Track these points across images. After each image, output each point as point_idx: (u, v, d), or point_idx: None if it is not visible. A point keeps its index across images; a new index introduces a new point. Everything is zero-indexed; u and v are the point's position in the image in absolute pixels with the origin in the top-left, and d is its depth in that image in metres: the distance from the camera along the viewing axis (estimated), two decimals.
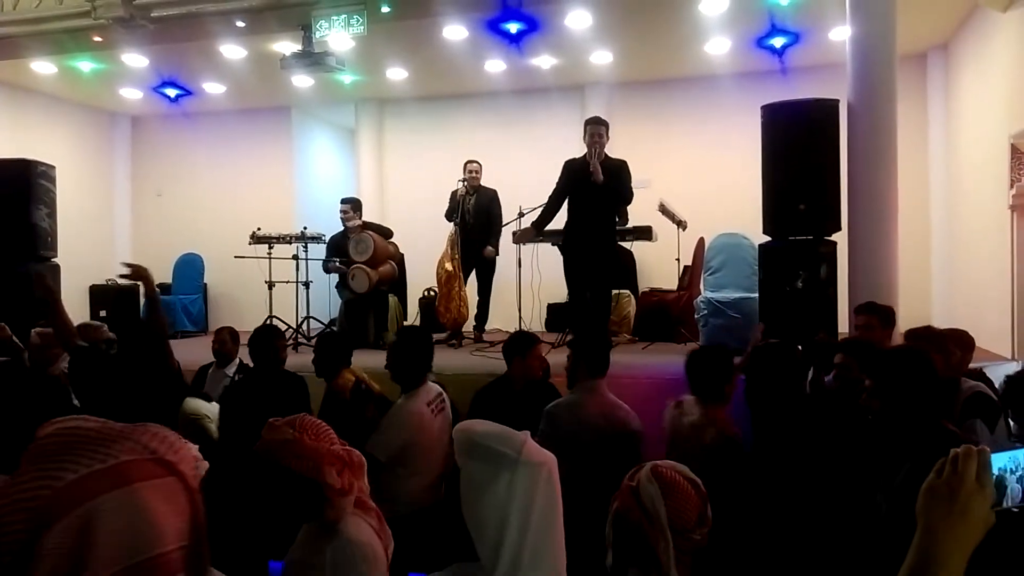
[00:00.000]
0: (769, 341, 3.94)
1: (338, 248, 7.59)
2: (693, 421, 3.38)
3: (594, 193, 5.80)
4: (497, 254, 7.39)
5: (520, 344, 4.18)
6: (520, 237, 6.73)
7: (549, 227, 6.54)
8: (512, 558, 1.30)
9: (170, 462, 0.93)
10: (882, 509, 2.32)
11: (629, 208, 7.50)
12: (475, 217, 7.33)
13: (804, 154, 5.24)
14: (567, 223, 6.08)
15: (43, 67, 8.19)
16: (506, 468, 1.34)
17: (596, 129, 5.85)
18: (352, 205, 7.58)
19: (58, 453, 0.87)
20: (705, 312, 6.49)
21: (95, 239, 10.04)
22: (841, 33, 6.28)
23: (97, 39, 6.78)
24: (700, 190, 8.61)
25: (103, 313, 9.66)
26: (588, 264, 5.93)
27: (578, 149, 6.55)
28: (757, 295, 5.71)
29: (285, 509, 1.87)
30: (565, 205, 6.07)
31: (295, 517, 1.88)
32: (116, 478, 0.88)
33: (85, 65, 8.27)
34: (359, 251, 7.28)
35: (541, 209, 6.21)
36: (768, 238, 5.55)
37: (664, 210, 7.63)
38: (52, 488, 0.84)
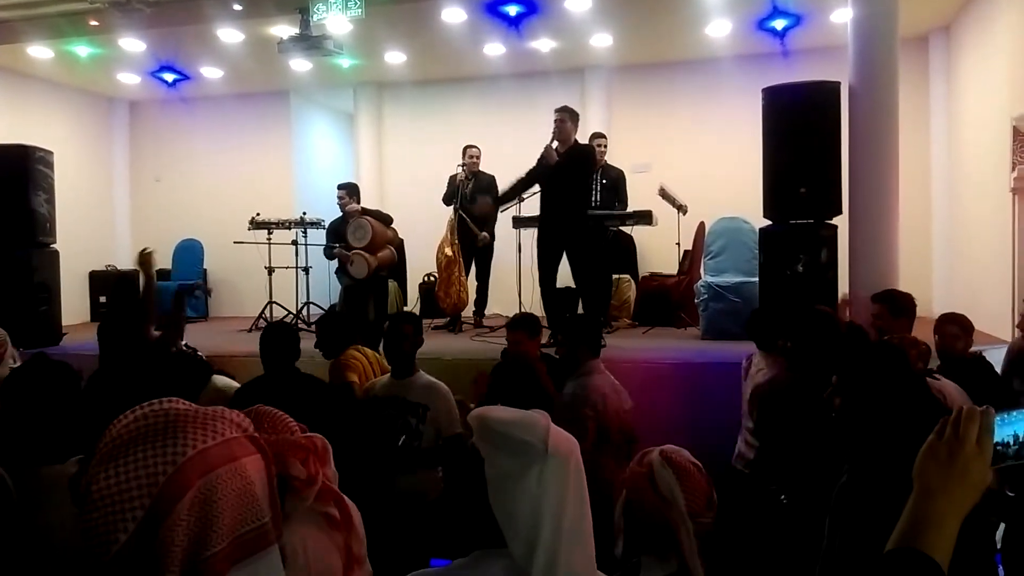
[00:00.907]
0: (820, 309, 3.89)
1: (338, 234, 7.57)
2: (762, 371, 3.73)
3: (552, 177, 5.93)
4: (494, 238, 7.40)
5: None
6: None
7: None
8: (548, 554, 1.30)
9: (257, 439, 1.02)
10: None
11: (629, 192, 7.54)
12: (473, 201, 7.32)
13: (805, 137, 5.22)
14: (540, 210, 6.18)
15: (40, 52, 8.14)
16: (535, 461, 1.32)
17: (557, 115, 6.01)
18: (348, 190, 7.53)
19: (169, 432, 0.92)
20: (705, 296, 6.49)
21: (94, 225, 10.01)
22: (843, 15, 6.24)
23: (93, 23, 6.74)
24: (700, 174, 8.58)
25: (103, 299, 9.67)
26: (558, 248, 6.01)
27: (578, 134, 6.51)
28: (757, 279, 5.71)
29: None
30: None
31: None
32: (226, 454, 0.95)
33: (82, 50, 8.21)
34: (357, 237, 7.26)
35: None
36: (769, 222, 5.53)
37: (664, 194, 7.61)
38: (175, 464, 0.90)
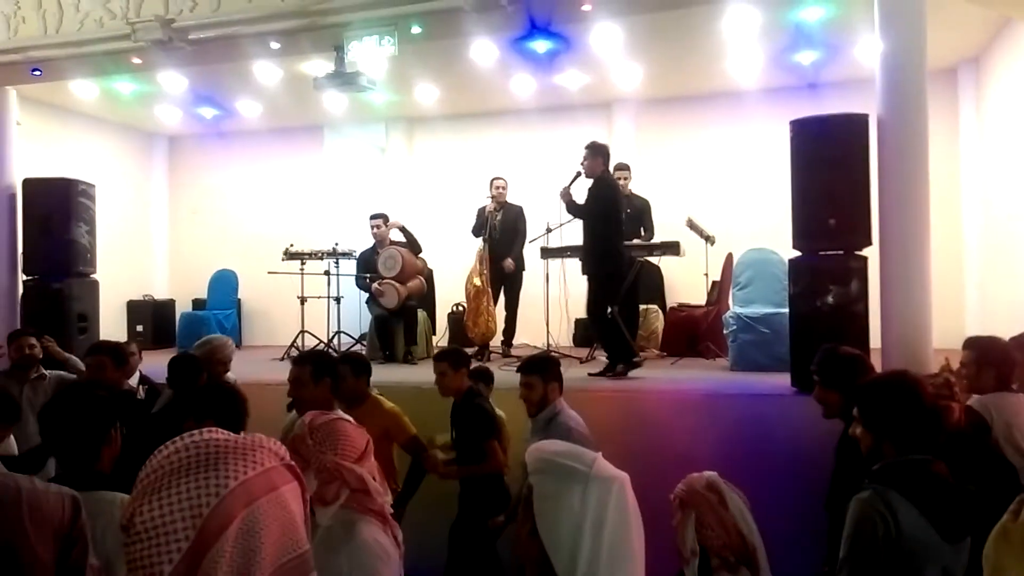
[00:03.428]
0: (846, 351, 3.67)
1: (368, 264, 7.69)
2: None
3: (584, 212, 6.24)
4: (523, 268, 7.47)
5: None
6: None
7: (577, 242, 6.84)
8: (588, 565, 1.34)
9: (293, 467, 1.02)
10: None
11: (657, 223, 7.59)
12: (502, 233, 7.41)
13: (834, 169, 5.22)
14: None
15: (84, 89, 8.42)
16: (578, 482, 1.39)
17: (584, 152, 6.22)
18: (384, 219, 7.73)
19: (210, 464, 0.93)
20: (734, 327, 6.48)
21: (133, 256, 10.26)
22: (870, 48, 6.26)
23: (136, 61, 6.96)
24: (728, 205, 8.59)
25: (140, 328, 9.87)
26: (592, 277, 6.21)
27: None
28: (787, 310, 5.69)
29: None
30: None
31: None
32: (266, 483, 0.95)
33: (125, 87, 8.49)
34: (388, 267, 7.37)
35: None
36: (798, 253, 5.52)
37: (692, 225, 7.63)
38: (219, 496, 0.91)
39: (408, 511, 4.00)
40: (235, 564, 0.88)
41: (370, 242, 7.86)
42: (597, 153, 6.14)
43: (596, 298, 6.10)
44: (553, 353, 7.13)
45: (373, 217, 7.77)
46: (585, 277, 6.32)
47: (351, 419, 1.95)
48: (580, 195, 6.30)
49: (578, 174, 6.22)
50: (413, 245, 7.71)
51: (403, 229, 7.68)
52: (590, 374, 6.03)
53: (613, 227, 6.14)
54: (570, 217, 6.64)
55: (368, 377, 4.23)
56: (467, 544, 4.09)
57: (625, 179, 7.64)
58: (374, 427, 4.01)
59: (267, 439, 1.01)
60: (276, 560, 0.92)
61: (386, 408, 4.19)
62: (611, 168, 7.71)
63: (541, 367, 3.84)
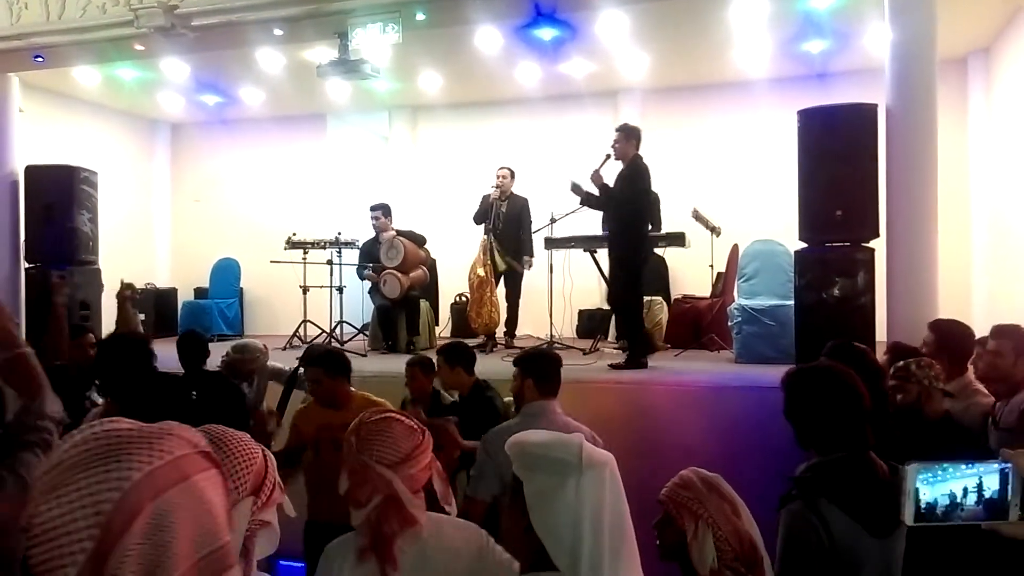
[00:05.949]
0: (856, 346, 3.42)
1: (370, 255, 7.66)
2: None
3: (611, 195, 6.08)
4: (530, 267, 7.44)
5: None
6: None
7: (581, 233, 6.92)
8: (592, 561, 1.32)
9: (211, 455, 0.94)
10: None
11: (663, 214, 7.53)
12: (505, 224, 7.37)
13: (841, 159, 5.17)
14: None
15: (87, 76, 8.39)
16: (571, 475, 1.37)
17: (615, 135, 6.04)
18: (383, 211, 7.64)
19: (112, 455, 0.86)
20: (739, 319, 6.43)
21: (135, 244, 10.23)
22: (879, 38, 6.19)
23: (139, 48, 6.92)
24: (734, 196, 8.53)
25: (142, 316, 9.84)
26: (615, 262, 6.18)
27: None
28: (792, 302, 5.65)
29: None
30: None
31: None
32: (176, 473, 0.88)
33: (127, 73, 8.45)
34: (390, 257, 7.33)
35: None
36: (804, 244, 5.48)
37: (698, 216, 7.58)
38: (121, 489, 0.84)
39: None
40: (145, 562, 0.82)
41: (373, 232, 7.81)
42: (630, 136, 5.97)
43: (621, 285, 6.03)
44: (556, 345, 7.15)
45: (373, 208, 7.69)
46: (594, 267, 6.26)
47: (404, 417, 1.89)
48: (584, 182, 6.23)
49: (608, 156, 6.03)
50: (417, 240, 7.66)
51: (399, 236, 7.49)
52: (611, 365, 5.97)
53: (640, 212, 6.04)
54: (578, 206, 6.59)
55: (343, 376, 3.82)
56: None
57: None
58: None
59: (179, 426, 0.93)
60: (192, 555, 0.85)
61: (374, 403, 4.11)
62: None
63: (523, 361, 3.40)
